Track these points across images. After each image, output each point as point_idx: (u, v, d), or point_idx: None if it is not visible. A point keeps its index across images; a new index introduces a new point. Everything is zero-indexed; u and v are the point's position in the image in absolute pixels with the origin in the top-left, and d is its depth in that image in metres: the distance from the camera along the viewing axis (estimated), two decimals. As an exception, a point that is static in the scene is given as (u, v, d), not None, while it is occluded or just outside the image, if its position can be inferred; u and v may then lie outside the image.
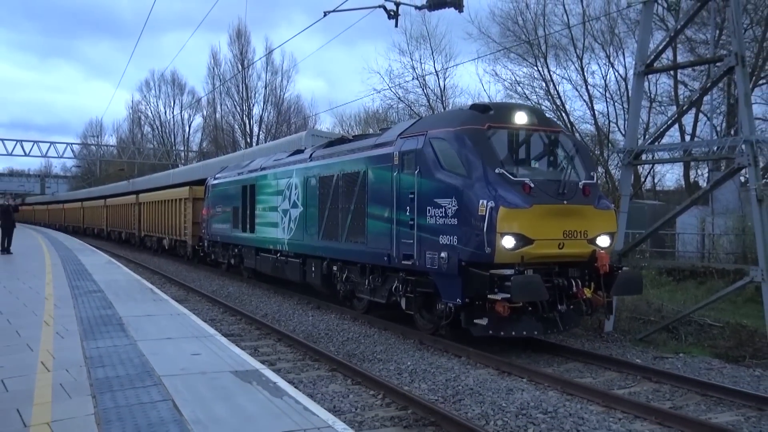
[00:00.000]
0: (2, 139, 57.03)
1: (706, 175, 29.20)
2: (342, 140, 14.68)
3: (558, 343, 10.49)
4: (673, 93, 28.78)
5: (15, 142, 57.48)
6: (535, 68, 32.13)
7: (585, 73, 31.24)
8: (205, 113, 66.30)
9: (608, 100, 31.24)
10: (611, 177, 27.59)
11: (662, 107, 29.39)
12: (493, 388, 8.11)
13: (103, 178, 71.13)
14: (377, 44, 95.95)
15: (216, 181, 22.03)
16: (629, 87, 25.76)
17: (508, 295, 8.73)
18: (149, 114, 74.76)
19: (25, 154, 58.17)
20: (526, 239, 9.08)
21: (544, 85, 31.80)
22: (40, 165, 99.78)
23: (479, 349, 9.81)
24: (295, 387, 6.57)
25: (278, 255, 16.32)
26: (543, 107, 27.77)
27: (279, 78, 56.93)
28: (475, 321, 9.43)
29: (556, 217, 9.32)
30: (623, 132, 27.86)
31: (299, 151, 16.81)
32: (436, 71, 36.15)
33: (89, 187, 66.55)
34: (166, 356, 7.27)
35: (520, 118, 10.06)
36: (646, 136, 20.94)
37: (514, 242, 9.01)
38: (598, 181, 10.71)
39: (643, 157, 13.08)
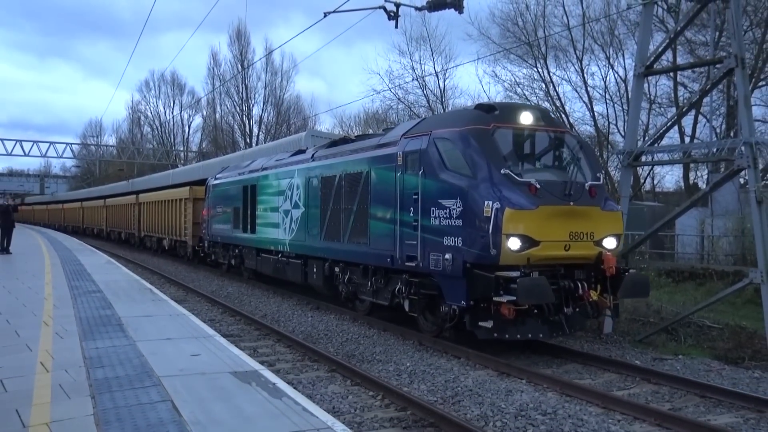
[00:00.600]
0: (1, 139, 57.08)
1: (705, 176, 29.24)
2: (344, 140, 14.58)
3: (557, 345, 10.47)
4: (672, 94, 28.79)
5: (14, 142, 57.51)
6: (535, 69, 32.19)
7: (585, 75, 31.30)
8: (204, 113, 66.37)
9: (608, 101, 31.31)
10: (611, 178, 27.61)
11: (662, 109, 29.41)
12: (492, 389, 8.11)
13: (103, 178, 71.12)
14: (376, 45, 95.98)
15: (216, 182, 21.96)
16: (629, 88, 25.79)
17: (514, 298, 8.63)
18: (149, 114, 74.83)
19: (25, 154, 58.17)
20: (532, 241, 8.97)
21: (543, 86, 31.86)
22: (40, 165, 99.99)
23: (478, 351, 9.81)
24: (294, 388, 6.57)
25: (279, 256, 16.23)
26: (543, 108, 27.73)
27: (279, 78, 56.99)
28: (480, 323, 9.33)
29: (562, 219, 9.21)
30: (623, 133, 27.90)
31: (301, 151, 16.72)
32: (435, 72, 36.19)
33: (89, 187, 66.56)
34: (165, 357, 7.28)
35: (526, 118, 9.96)
36: (646, 138, 20.97)
37: (520, 244, 8.90)
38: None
39: (643, 158, 13.08)
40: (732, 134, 23.04)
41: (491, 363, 9.39)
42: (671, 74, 26.03)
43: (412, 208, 10.32)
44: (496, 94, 33.46)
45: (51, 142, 61.14)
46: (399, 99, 37.45)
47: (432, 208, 9.87)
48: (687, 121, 28.04)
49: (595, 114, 31.42)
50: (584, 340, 11.24)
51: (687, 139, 26.98)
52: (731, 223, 20.71)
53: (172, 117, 72.49)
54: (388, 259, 11.00)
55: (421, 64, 36.99)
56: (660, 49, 13.06)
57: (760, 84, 26.36)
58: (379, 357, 10.00)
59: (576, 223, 9.31)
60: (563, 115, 30.62)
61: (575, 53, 30.95)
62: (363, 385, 8.28)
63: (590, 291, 9.28)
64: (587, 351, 10.39)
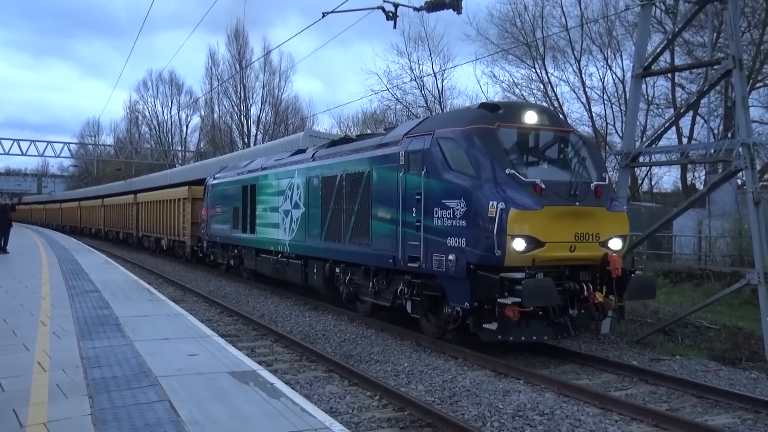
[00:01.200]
0: (-1, 138, 56.97)
1: (703, 177, 29.31)
2: (345, 140, 14.48)
3: (555, 345, 10.47)
4: (670, 95, 28.82)
5: (12, 141, 57.44)
6: (533, 70, 32.24)
7: (583, 75, 31.34)
8: (202, 113, 66.36)
9: (606, 102, 31.35)
10: (608, 179, 27.61)
11: (659, 110, 29.43)
12: (489, 390, 8.11)
13: (100, 177, 71.04)
14: (373, 45, 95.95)
15: (215, 181, 21.87)
16: (627, 89, 25.86)
17: (519, 300, 8.52)
18: (147, 114, 74.81)
19: (22, 154, 58.13)
20: (537, 242, 8.85)
21: (541, 87, 31.91)
22: (37, 164, 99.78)
23: (476, 351, 9.81)
24: (292, 388, 6.58)
25: (279, 256, 16.12)
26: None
27: (277, 78, 57.01)
28: (484, 325, 9.23)
29: (567, 219, 9.09)
30: (621, 134, 27.92)
31: (301, 151, 16.59)
32: (434, 72, 36.22)
33: (86, 187, 66.47)
34: (162, 357, 7.28)
35: (530, 118, 9.85)
36: (644, 139, 21.01)
37: (525, 245, 8.78)
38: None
39: (641, 159, 13.09)
40: (729, 135, 23.08)
41: (489, 363, 9.39)
42: (669, 75, 26.06)
43: (414, 209, 10.22)
44: (494, 94, 33.50)
45: (48, 142, 61.09)
46: (397, 99, 37.54)
47: (435, 209, 9.76)
48: (685, 122, 28.09)
49: (593, 115, 31.47)
50: (582, 341, 11.25)
51: (685, 140, 27.01)
52: (728, 224, 20.73)
53: (170, 117, 72.53)
54: (390, 260, 10.90)
55: (419, 64, 37.05)
56: (658, 50, 13.08)
57: (758, 85, 26.39)
58: (377, 357, 10.00)
59: (581, 223, 9.20)
60: (561, 116, 30.61)
61: (573, 54, 31.02)
62: (361, 386, 8.28)
63: (595, 293, 9.17)
64: (585, 351, 10.40)
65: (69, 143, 66.94)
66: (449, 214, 9.49)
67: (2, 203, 23.59)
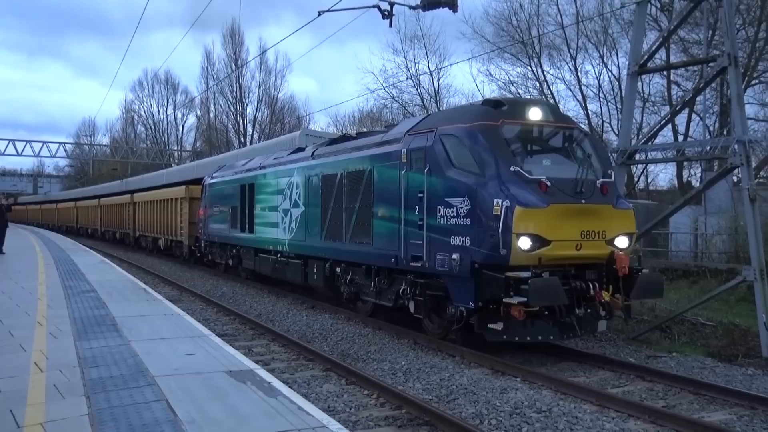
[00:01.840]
0: (-7, 139, 56.80)
1: (698, 174, 29.36)
2: (345, 138, 14.32)
3: (551, 343, 10.48)
4: (666, 93, 28.92)
5: (7, 141, 57.18)
6: (529, 68, 32.36)
7: (578, 73, 31.47)
8: (198, 113, 66.31)
9: (601, 100, 31.47)
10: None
11: (655, 107, 29.52)
12: (487, 388, 8.11)
13: (96, 177, 70.91)
14: (368, 43, 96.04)
15: (213, 180, 21.74)
16: (622, 87, 25.84)
17: (525, 299, 8.39)
18: (142, 114, 74.70)
19: (18, 154, 57.85)
20: (543, 240, 8.70)
21: (537, 85, 32.00)
22: (33, 165, 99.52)
23: (473, 349, 9.80)
24: (289, 387, 6.59)
25: (278, 256, 15.95)
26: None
27: (273, 78, 56.99)
28: (490, 326, 9.10)
29: (573, 217, 8.95)
30: (616, 132, 27.99)
31: (300, 149, 16.41)
32: (430, 71, 36.30)
33: (82, 187, 66.32)
34: (159, 356, 7.28)
35: (535, 114, 9.69)
36: (640, 136, 21.01)
37: (531, 243, 8.64)
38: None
39: (637, 156, 13.13)
40: (725, 132, 23.13)
41: (486, 361, 9.39)
42: (665, 73, 26.15)
43: (417, 207, 10.09)
44: (490, 92, 33.56)
45: (44, 142, 60.82)
46: (393, 98, 37.63)
47: (438, 207, 9.63)
48: (680, 120, 28.20)
49: (589, 112, 31.56)
50: (578, 338, 11.26)
51: (680, 138, 27.10)
52: (724, 221, 20.80)
53: (166, 116, 72.46)
54: (393, 259, 10.76)
55: (415, 62, 37.15)
56: (653, 48, 13.09)
57: (753, 82, 26.50)
58: (374, 356, 9.99)
59: (588, 221, 9.06)
60: (558, 114, 30.66)
61: (569, 52, 31.13)
62: (358, 384, 8.29)
63: (602, 291, 9.03)
64: (581, 349, 10.42)
65: (65, 143, 66.94)
66: (453, 212, 9.36)
67: (-2, 204, 23.51)
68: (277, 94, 57.54)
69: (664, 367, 9.45)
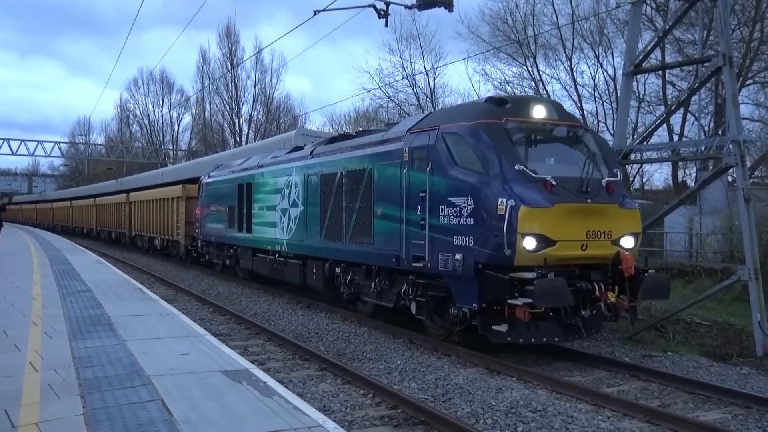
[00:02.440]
0: (-12, 138, 56.62)
1: (694, 174, 29.47)
2: (344, 136, 14.15)
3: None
4: (661, 93, 29.02)
5: (2, 140, 56.98)
6: (525, 68, 32.41)
7: (574, 73, 31.53)
8: (194, 112, 66.23)
9: (597, 99, 31.54)
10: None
11: (651, 107, 29.64)
12: (482, 387, 8.13)
13: (91, 177, 70.78)
14: (363, 43, 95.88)
15: (210, 180, 21.60)
16: (618, 87, 25.95)
17: (530, 300, 8.26)
18: (138, 113, 74.57)
19: (12, 153, 57.67)
20: (548, 240, 8.57)
21: (533, 84, 32.04)
22: (27, 164, 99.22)
23: (468, 349, 9.80)
24: (285, 386, 6.59)
25: (276, 256, 15.79)
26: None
27: (268, 77, 56.94)
28: (494, 327, 8.94)
29: (579, 217, 8.80)
30: (612, 132, 28.03)
31: (299, 148, 16.17)
32: (426, 70, 36.35)
33: (77, 186, 66.17)
34: (155, 356, 7.29)
35: (539, 112, 9.54)
36: (635, 136, 21.14)
37: (536, 243, 8.50)
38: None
39: (632, 156, 13.18)
40: (720, 132, 23.22)
41: (482, 361, 9.39)
42: (660, 73, 26.24)
43: (419, 206, 9.93)
44: (486, 92, 33.62)
45: (39, 141, 60.60)
46: (389, 97, 37.66)
47: (441, 206, 9.48)
48: (675, 120, 28.28)
49: (585, 112, 31.58)
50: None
51: (676, 138, 27.17)
52: (719, 220, 20.86)
53: (161, 115, 72.31)
54: (394, 260, 10.62)
55: (411, 62, 37.19)
56: (649, 48, 13.17)
57: (748, 82, 26.60)
58: (370, 355, 10.00)
59: (593, 221, 8.92)
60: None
61: (565, 52, 31.18)
62: (354, 384, 8.29)
63: (608, 292, 8.92)
64: (577, 348, 10.42)
65: (60, 142, 66.55)
66: (456, 211, 9.20)
67: (-7, 203, 23.45)
68: (273, 93, 57.50)
69: (659, 366, 9.47)
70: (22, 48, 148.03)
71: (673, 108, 15.07)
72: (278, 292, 16.76)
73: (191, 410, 5.34)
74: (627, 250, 9.17)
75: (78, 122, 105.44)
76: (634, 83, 19.31)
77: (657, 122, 14.02)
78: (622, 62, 13.39)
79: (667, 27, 13.82)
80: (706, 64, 11.88)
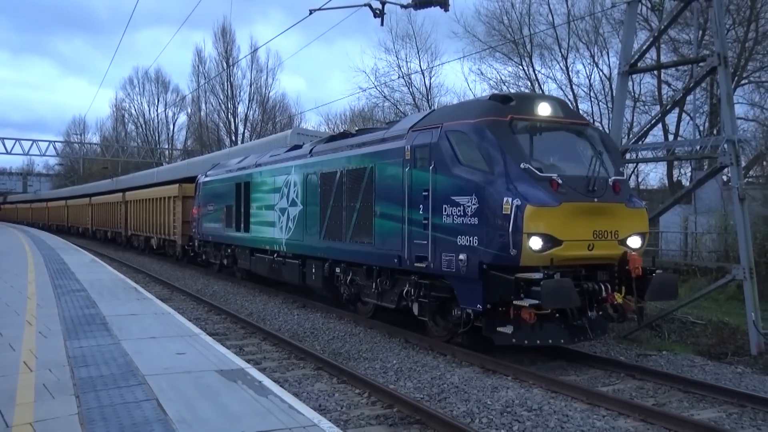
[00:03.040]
0: (-17, 137, 56.39)
1: (689, 174, 29.51)
2: (344, 135, 13.99)
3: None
4: (656, 92, 29.07)
5: (-4, 139, 56.91)
6: (521, 67, 32.47)
7: (570, 73, 31.60)
8: (189, 111, 66.16)
9: (592, 99, 31.58)
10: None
11: (646, 107, 29.67)
12: (478, 386, 8.16)
13: (87, 176, 70.65)
14: (357, 41, 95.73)
15: (207, 179, 21.52)
16: (613, 86, 25.96)
17: (537, 301, 8.12)
18: (133, 112, 74.46)
19: (7, 152, 57.50)
20: (555, 240, 8.41)
21: (529, 84, 32.06)
22: (22, 163, 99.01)
23: (464, 348, 9.82)
24: (280, 386, 6.59)
25: (275, 256, 15.68)
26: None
27: (264, 76, 56.92)
28: (499, 329, 8.81)
29: (585, 216, 8.66)
30: (607, 131, 28.04)
31: (297, 147, 16.03)
32: (421, 70, 36.40)
33: (72, 186, 66.03)
34: (150, 355, 7.30)
35: (544, 110, 9.41)
36: (630, 136, 21.12)
37: (542, 243, 8.35)
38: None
39: (627, 156, 13.19)
40: (715, 132, 23.28)
41: (477, 360, 9.42)
42: (655, 72, 26.31)
43: (421, 206, 9.80)
44: (481, 91, 33.68)
45: (34, 140, 60.48)
46: (385, 97, 37.72)
47: (444, 206, 9.34)
48: (671, 119, 28.36)
49: (580, 112, 31.59)
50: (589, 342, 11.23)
51: (671, 137, 27.25)
52: (714, 220, 20.96)
53: (157, 115, 72.23)
54: (396, 260, 10.48)
55: (407, 61, 37.22)
56: (644, 48, 13.17)
57: (743, 82, 26.68)
58: (366, 355, 10.02)
59: (600, 221, 8.78)
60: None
61: (560, 51, 31.26)
62: (349, 383, 8.31)
63: (614, 293, 8.79)
64: (572, 347, 10.44)
65: (55, 141, 66.46)
66: (460, 211, 9.06)
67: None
68: (269, 92, 57.51)
69: (654, 365, 9.50)
70: (14, 47, 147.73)
71: (668, 108, 15.07)
72: (274, 292, 16.76)
73: (186, 410, 5.34)
74: (634, 250, 9.06)
75: (73, 121, 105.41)
76: (630, 83, 19.36)
77: (652, 122, 13.99)
78: (618, 62, 13.43)
79: (663, 27, 13.84)
80: (701, 64, 11.90)
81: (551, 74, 32.28)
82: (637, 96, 29.04)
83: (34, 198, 75.96)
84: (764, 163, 25.32)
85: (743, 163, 14.31)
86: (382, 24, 12.41)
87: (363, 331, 11.86)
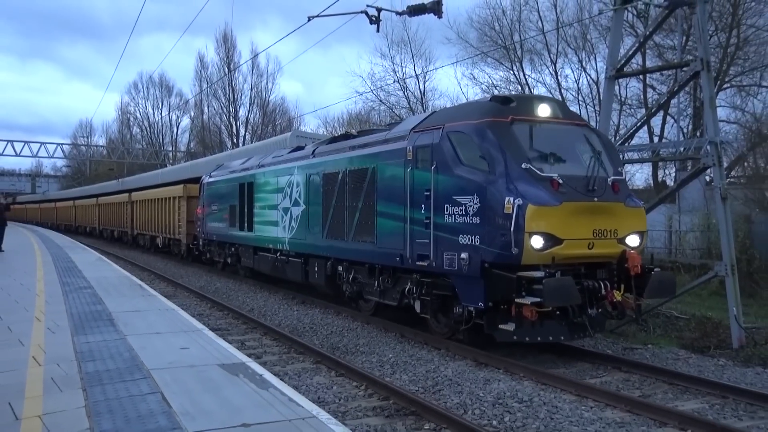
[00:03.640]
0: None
1: (673, 174, 29.64)
2: (346, 136, 13.98)
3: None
4: (642, 96, 29.12)
5: (6, 142, 57.49)
6: (512, 72, 32.70)
7: (558, 77, 31.78)
8: (192, 114, 66.45)
9: (581, 102, 31.59)
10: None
11: (632, 110, 29.67)
12: (471, 379, 8.30)
13: (93, 177, 70.85)
14: (353, 47, 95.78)
15: (211, 179, 21.56)
16: (600, 90, 26.17)
17: (539, 299, 8.18)
18: (138, 115, 74.80)
19: (16, 154, 58.25)
20: (556, 239, 8.46)
21: (519, 88, 32.20)
22: (31, 165, 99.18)
23: (458, 342, 9.96)
24: (280, 379, 6.74)
25: (278, 254, 15.73)
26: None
27: (264, 80, 57.18)
28: (501, 326, 8.83)
29: (585, 215, 8.73)
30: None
31: (300, 148, 16.16)
32: (416, 74, 36.58)
33: (80, 187, 66.17)
34: (154, 350, 7.40)
35: (544, 111, 9.52)
36: (617, 138, 21.30)
37: (543, 242, 8.39)
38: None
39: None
40: (698, 134, 23.38)
41: (470, 354, 9.53)
42: (641, 77, 26.31)
43: (423, 205, 9.84)
44: (474, 95, 33.82)
45: (42, 143, 61.19)
46: (381, 101, 38.00)
47: (446, 205, 9.39)
48: (656, 122, 28.39)
49: (570, 115, 31.72)
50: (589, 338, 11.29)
51: (656, 139, 27.34)
52: (697, 218, 21.11)
53: (161, 118, 72.50)
54: (398, 258, 10.52)
55: (402, 66, 37.44)
56: (630, 53, 13.33)
57: (725, 86, 26.72)
58: (363, 349, 10.15)
59: (600, 220, 8.86)
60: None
61: (549, 57, 31.47)
62: (347, 376, 8.46)
63: (613, 291, 8.86)
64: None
65: (62, 144, 66.95)
66: (461, 210, 9.11)
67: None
68: (269, 96, 57.73)
69: (639, 358, 9.63)
70: (21, 52, 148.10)
71: (653, 110, 15.13)
72: (274, 289, 16.87)
73: (190, 402, 5.44)
74: (633, 248, 9.13)
75: (80, 124, 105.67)
76: (616, 87, 19.48)
77: (638, 124, 14.13)
78: (605, 67, 13.53)
79: (648, 33, 14.02)
80: (685, 69, 12.02)
81: (541, 78, 32.49)
82: (623, 99, 29.10)
83: (42, 198, 75.90)
84: (745, 164, 25.43)
85: (725, 164, 14.45)
86: (378, 30, 12.61)
87: (360, 326, 11.98)
